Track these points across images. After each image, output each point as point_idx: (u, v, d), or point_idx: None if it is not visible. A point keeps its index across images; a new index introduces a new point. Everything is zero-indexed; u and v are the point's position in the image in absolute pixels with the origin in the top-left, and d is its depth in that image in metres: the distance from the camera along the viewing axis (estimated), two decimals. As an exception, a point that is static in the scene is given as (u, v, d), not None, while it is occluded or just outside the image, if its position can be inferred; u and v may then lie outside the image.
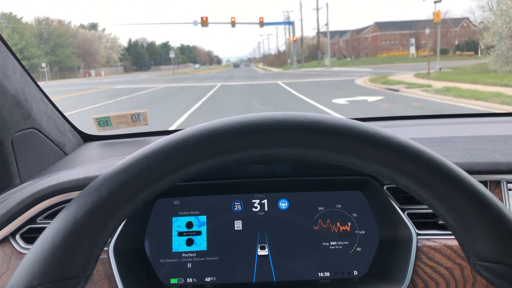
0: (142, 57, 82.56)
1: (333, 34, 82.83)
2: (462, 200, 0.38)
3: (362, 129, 0.40)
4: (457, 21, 70.87)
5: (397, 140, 0.40)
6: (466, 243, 0.38)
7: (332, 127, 0.40)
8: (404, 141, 0.40)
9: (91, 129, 1.46)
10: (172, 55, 54.63)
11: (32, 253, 0.38)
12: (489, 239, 0.36)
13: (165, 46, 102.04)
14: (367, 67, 34.69)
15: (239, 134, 0.40)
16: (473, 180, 0.39)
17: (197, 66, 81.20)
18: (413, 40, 47.32)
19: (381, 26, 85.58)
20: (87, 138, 1.46)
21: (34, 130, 1.13)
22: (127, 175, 0.39)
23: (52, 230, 0.38)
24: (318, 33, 51.43)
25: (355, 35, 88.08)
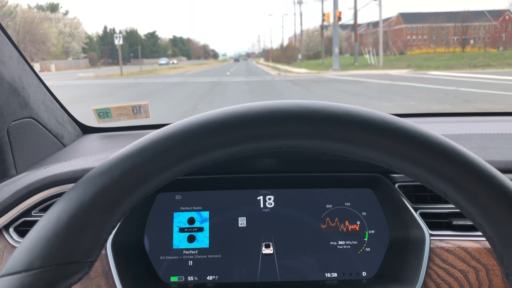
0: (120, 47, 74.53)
1: (344, 27, 70.32)
2: (504, 211, 0.34)
3: (403, 126, 0.37)
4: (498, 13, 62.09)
5: (437, 139, 0.37)
6: (506, 258, 0.35)
7: (371, 122, 0.37)
8: (443, 140, 0.37)
9: (91, 121, 1.42)
10: (118, 41, 28.19)
11: (34, 233, 0.35)
12: None
13: (152, 36, 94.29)
14: (454, 72, 21.62)
15: (265, 121, 0.37)
16: None
17: (162, 61, 58.47)
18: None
19: (406, 17, 74.71)
20: (86, 129, 1.42)
21: (31, 119, 1.09)
22: (141, 157, 0.37)
23: (57, 210, 0.36)
24: (356, 15, 31.82)
25: (372, 29, 75.48)
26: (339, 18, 30.88)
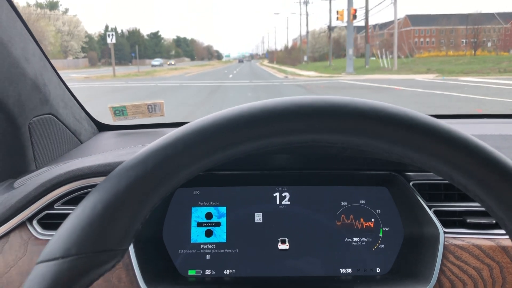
0: (121, 47, 69.28)
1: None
2: None
3: (427, 121, 0.38)
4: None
5: (457, 134, 0.37)
6: None
7: (395, 116, 0.38)
8: (463, 135, 0.38)
9: (106, 119, 1.45)
10: (111, 40, 24.68)
11: (70, 222, 0.37)
12: None
13: (155, 36, 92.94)
14: (486, 77, 18.99)
15: (293, 116, 0.38)
16: None
17: (156, 62, 54.22)
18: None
19: (414, 19, 73.33)
20: (102, 127, 1.45)
21: (51, 116, 1.12)
22: (174, 149, 0.38)
23: (92, 199, 0.37)
24: (367, 14, 30.90)
25: (378, 30, 75.31)
26: (354, 16, 28.46)
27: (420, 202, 0.87)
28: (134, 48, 69.52)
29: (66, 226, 0.37)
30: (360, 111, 0.38)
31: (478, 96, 11.33)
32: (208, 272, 0.90)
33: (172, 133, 0.40)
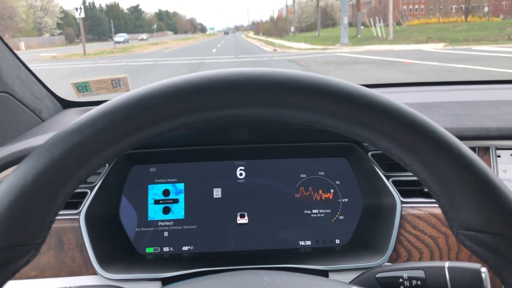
0: (100, 22, 65.50)
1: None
2: (447, 165, 0.35)
3: (340, 85, 0.36)
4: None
5: (376, 97, 0.36)
6: (450, 211, 0.36)
7: (307, 84, 0.36)
8: (383, 98, 0.36)
9: (71, 96, 1.40)
10: (79, 14, 22.12)
11: None
12: (474, 208, 0.34)
13: (136, 10, 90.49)
14: (498, 46, 17.02)
15: (209, 91, 0.36)
16: (461, 143, 0.36)
17: (119, 38, 46.03)
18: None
19: None
20: (66, 104, 1.41)
21: (5, 94, 1.08)
22: (81, 135, 0.35)
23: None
24: None
25: None
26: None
27: (378, 173, 0.87)
28: (114, 23, 65.21)
29: None
30: (264, 81, 0.36)
31: (493, 69, 9.76)
32: (166, 249, 0.89)
33: (82, 116, 0.37)
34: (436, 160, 0.35)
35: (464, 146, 0.35)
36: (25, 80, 1.18)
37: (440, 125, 0.36)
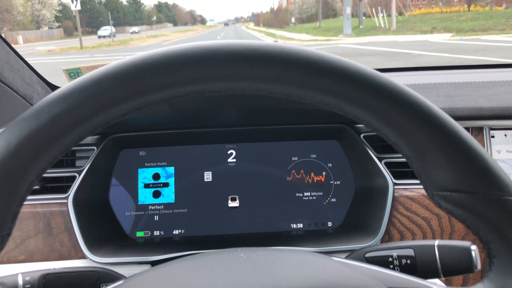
0: (99, 15, 64.36)
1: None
2: (417, 126, 0.34)
3: (298, 53, 0.35)
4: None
5: (338, 62, 0.35)
6: (424, 173, 0.35)
7: (265, 54, 0.34)
8: (347, 62, 0.35)
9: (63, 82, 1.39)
10: (75, 6, 17.81)
11: None
12: (447, 167, 0.34)
13: (135, 2, 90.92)
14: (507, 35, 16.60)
15: (164, 69, 0.34)
16: (429, 103, 0.35)
17: (104, 32, 40.30)
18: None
19: None
20: None
21: None
22: (38, 121, 0.33)
23: None
24: None
25: None
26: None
27: (371, 155, 0.86)
28: (112, 15, 64.96)
29: None
30: (236, 53, 0.34)
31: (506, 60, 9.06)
32: (157, 233, 0.88)
33: (39, 102, 0.34)
34: (406, 122, 0.34)
35: (434, 106, 0.35)
36: (14, 66, 1.16)
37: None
